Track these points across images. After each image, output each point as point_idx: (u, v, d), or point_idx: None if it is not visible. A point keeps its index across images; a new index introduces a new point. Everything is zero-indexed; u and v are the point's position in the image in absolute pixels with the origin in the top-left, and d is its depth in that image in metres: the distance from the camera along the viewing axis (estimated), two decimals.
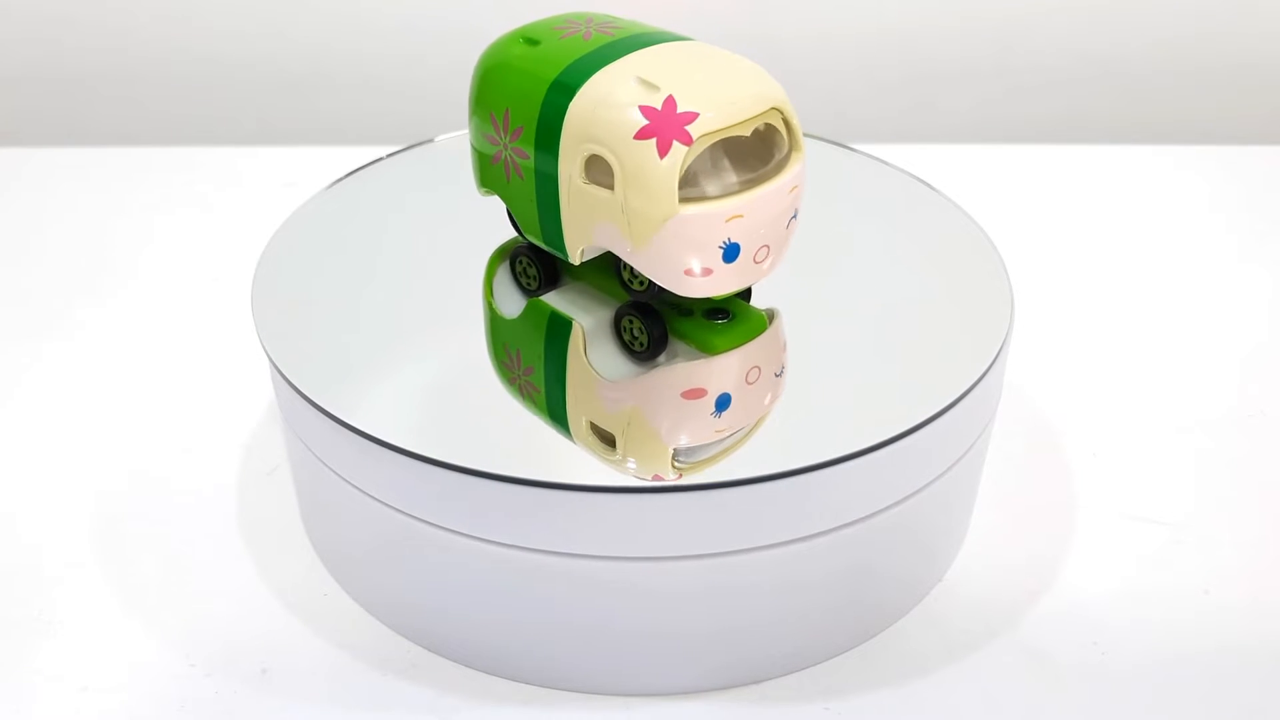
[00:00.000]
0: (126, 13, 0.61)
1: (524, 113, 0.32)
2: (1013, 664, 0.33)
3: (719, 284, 0.31)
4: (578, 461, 0.30)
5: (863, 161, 0.42)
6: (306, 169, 0.54)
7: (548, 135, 0.31)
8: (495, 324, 0.35)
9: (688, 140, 0.29)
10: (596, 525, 0.30)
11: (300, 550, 0.37)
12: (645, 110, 0.30)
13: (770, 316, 0.34)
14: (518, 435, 0.31)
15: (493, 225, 0.37)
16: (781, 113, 0.31)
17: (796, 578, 0.31)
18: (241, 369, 0.43)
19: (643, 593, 0.31)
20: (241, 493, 0.39)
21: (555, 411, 0.32)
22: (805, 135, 0.43)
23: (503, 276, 0.36)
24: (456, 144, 0.43)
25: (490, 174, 0.34)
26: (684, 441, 0.31)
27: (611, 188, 0.30)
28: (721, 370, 0.33)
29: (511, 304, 0.35)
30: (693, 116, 0.29)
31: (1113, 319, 0.48)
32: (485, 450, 0.30)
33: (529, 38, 0.33)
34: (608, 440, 0.31)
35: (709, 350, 0.33)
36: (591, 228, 0.32)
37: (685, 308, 0.34)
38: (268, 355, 0.33)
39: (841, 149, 0.42)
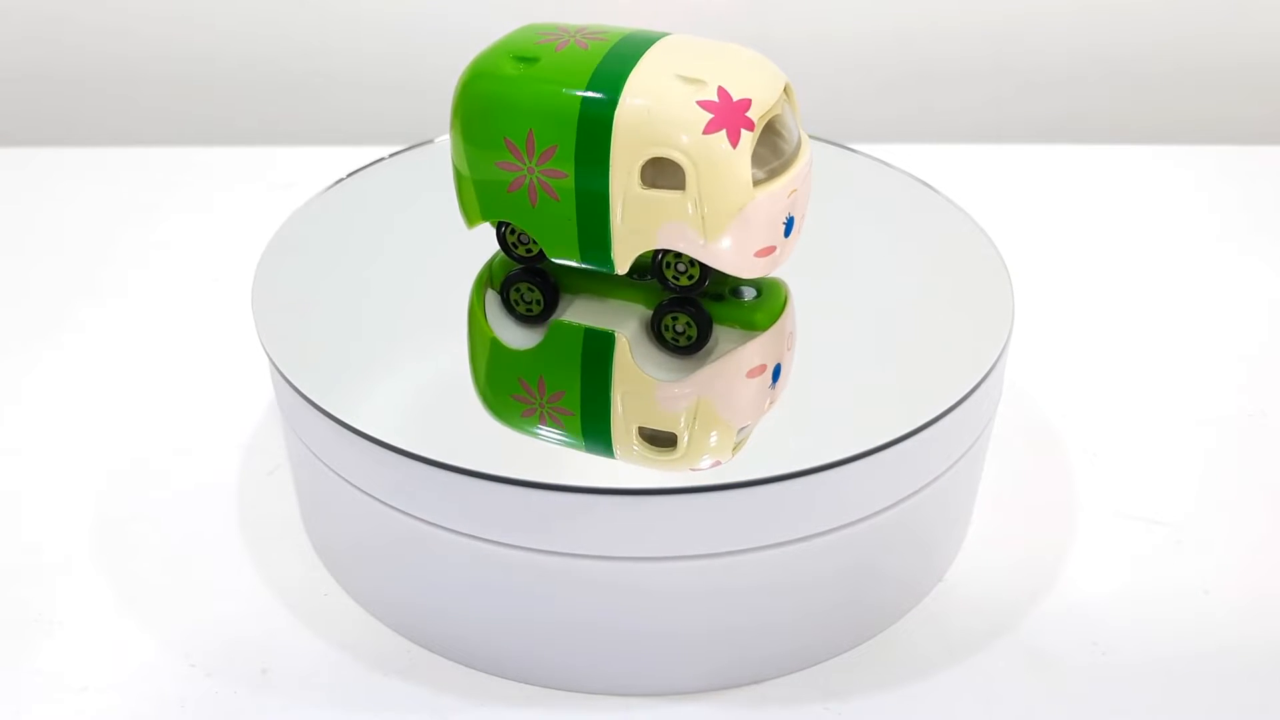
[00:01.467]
0: (126, 13, 0.61)
1: (554, 132, 0.31)
2: (1013, 664, 0.33)
3: (778, 259, 0.33)
4: (578, 461, 0.30)
5: (863, 162, 0.42)
6: (306, 169, 0.54)
7: (593, 149, 0.31)
8: (499, 360, 0.34)
9: (751, 126, 0.30)
10: (596, 525, 0.30)
11: (300, 550, 0.37)
12: (705, 105, 0.30)
13: (783, 283, 0.35)
14: (518, 436, 0.31)
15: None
16: (788, 89, 0.32)
17: (796, 578, 0.31)
18: (241, 369, 0.43)
19: (643, 593, 0.31)
20: (241, 493, 0.39)
21: (596, 430, 0.31)
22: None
23: (493, 310, 0.35)
24: None
25: (500, 202, 0.33)
26: (752, 420, 0.32)
27: (678, 188, 0.31)
28: (772, 343, 0.34)
29: (518, 334, 0.34)
30: (748, 103, 0.30)
31: (1113, 319, 0.48)
32: (485, 450, 0.30)
33: (520, 55, 0.32)
34: (666, 441, 0.31)
35: (758, 327, 0.34)
36: (654, 232, 0.31)
37: (713, 293, 0.34)
38: (268, 355, 0.33)
39: (842, 149, 0.42)
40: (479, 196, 0.33)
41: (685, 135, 0.30)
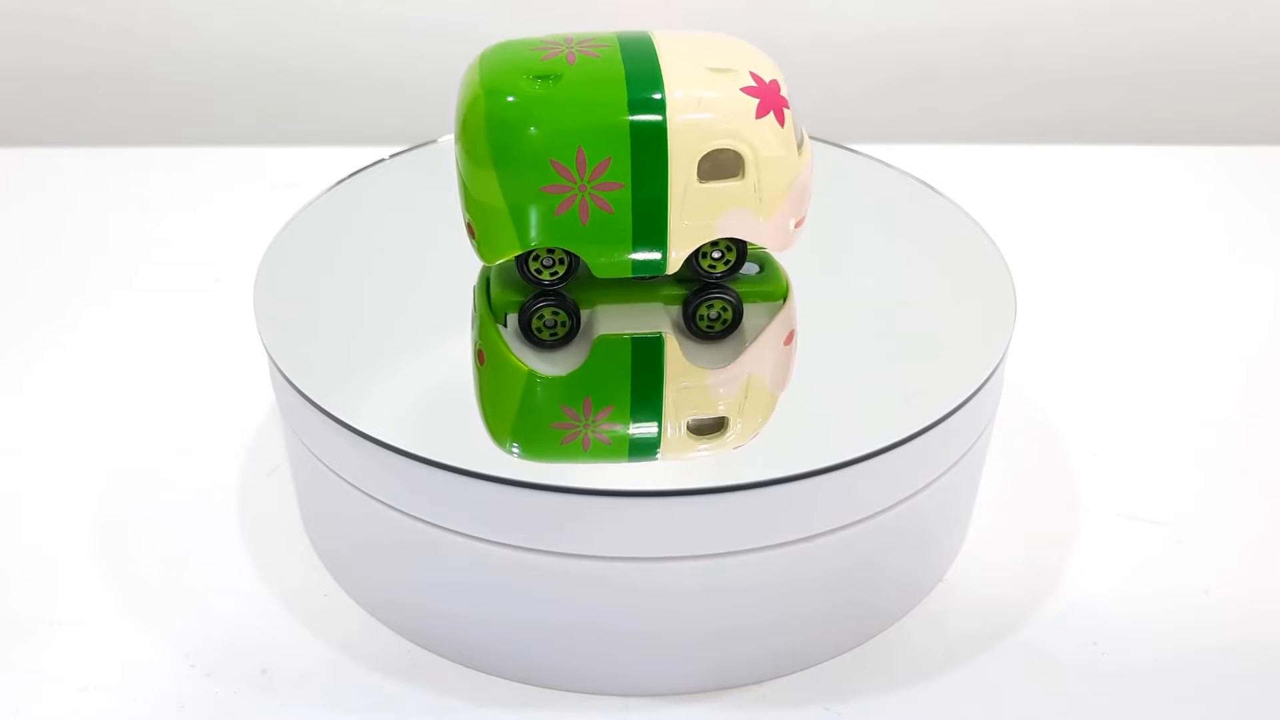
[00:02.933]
0: (126, 13, 0.61)
1: (607, 145, 0.31)
2: (1013, 664, 0.33)
3: (803, 228, 0.34)
4: (578, 461, 0.30)
5: (864, 162, 0.42)
6: (307, 169, 0.54)
7: (650, 155, 0.31)
8: (536, 393, 0.32)
9: (787, 105, 0.32)
10: (597, 526, 0.30)
11: (300, 550, 0.37)
12: (749, 91, 0.31)
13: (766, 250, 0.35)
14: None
15: None
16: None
17: (796, 578, 0.31)
18: (242, 369, 0.43)
19: (643, 593, 0.31)
20: (241, 493, 0.39)
21: (647, 436, 0.31)
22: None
23: (513, 342, 0.34)
24: None
25: (546, 228, 0.32)
26: (794, 382, 0.33)
27: (736, 175, 0.31)
28: (789, 310, 0.35)
29: (549, 361, 0.33)
30: (776, 83, 0.32)
31: (1113, 319, 0.47)
32: (485, 451, 0.30)
33: (537, 74, 0.31)
34: (717, 428, 0.31)
35: (780, 297, 0.35)
36: (714, 223, 0.32)
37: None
38: (269, 355, 0.33)
39: (842, 150, 0.42)
40: (517, 226, 0.32)
41: (742, 124, 0.31)
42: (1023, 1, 0.61)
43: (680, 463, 0.30)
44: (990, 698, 0.32)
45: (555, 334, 0.34)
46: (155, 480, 0.39)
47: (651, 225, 0.32)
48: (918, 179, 0.41)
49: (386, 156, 0.42)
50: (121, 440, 0.41)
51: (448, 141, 0.43)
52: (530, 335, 0.33)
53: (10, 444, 0.41)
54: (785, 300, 0.35)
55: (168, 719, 0.32)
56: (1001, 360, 0.33)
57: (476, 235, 0.32)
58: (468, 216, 0.32)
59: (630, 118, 0.31)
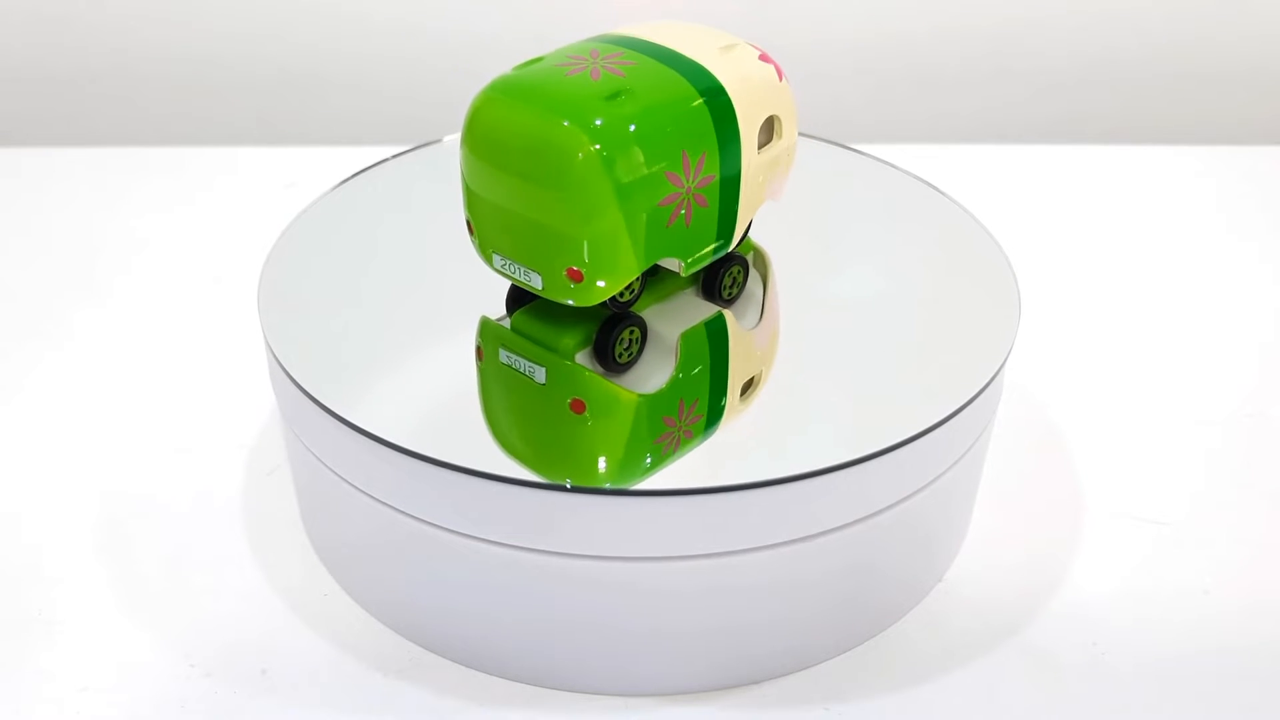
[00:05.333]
0: (126, 13, 0.61)
1: (700, 140, 0.31)
2: (1013, 664, 0.33)
3: None
4: (578, 461, 0.30)
5: (867, 163, 0.42)
6: (308, 169, 0.54)
7: (729, 137, 0.31)
8: (642, 416, 0.31)
9: (780, 68, 0.33)
10: (597, 525, 0.30)
11: (300, 550, 0.37)
12: (763, 58, 0.32)
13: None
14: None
15: None
16: None
17: (796, 578, 0.31)
18: (242, 369, 0.43)
19: (643, 593, 0.31)
20: (242, 493, 0.39)
21: (718, 414, 0.32)
22: (807, 136, 0.43)
23: (599, 372, 0.32)
24: None
25: (659, 242, 0.31)
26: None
27: (774, 139, 0.33)
28: (761, 267, 0.37)
29: (637, 379, 0.32)
30: (761, 50, 0.33)
31: (1114, 319, 0.48)
32: (485, 450, 0.30)
33: (608, 95, 0.30)
34: (751, 385, 0.32)
35: (750, 250, 0.37)
36: (763, 192, 0.33)
37: None
38: (272, 353, 0.33)
39: (844, 150, 0.42)
40: (636, 252, 0.30)
41: (773, 90, 0.32)
42: (1026, 3, 0.61)
43: (680, 463, 0.30)
44: (990, 698, 0.32)
45: (631, 352, 0.33)
46: (155, 480, 0.39)
47: (729, 208, 0.32)
48: (921, 179, 0.41)
49: (391, 156, 0.42)
50: (122, 440, 0.41)
51: (451, 141, 0.43)
52: (613, 363, 0.32)
53: (11, 443, 0.41)
54: (753, 251, 0.37)
55: (168, 719, 0.32)
56: (1004, 362, 0.33)
57: (585, 278, 0.30)
58: (572, 264, 0.30)
59: (708, 107, 0.31)
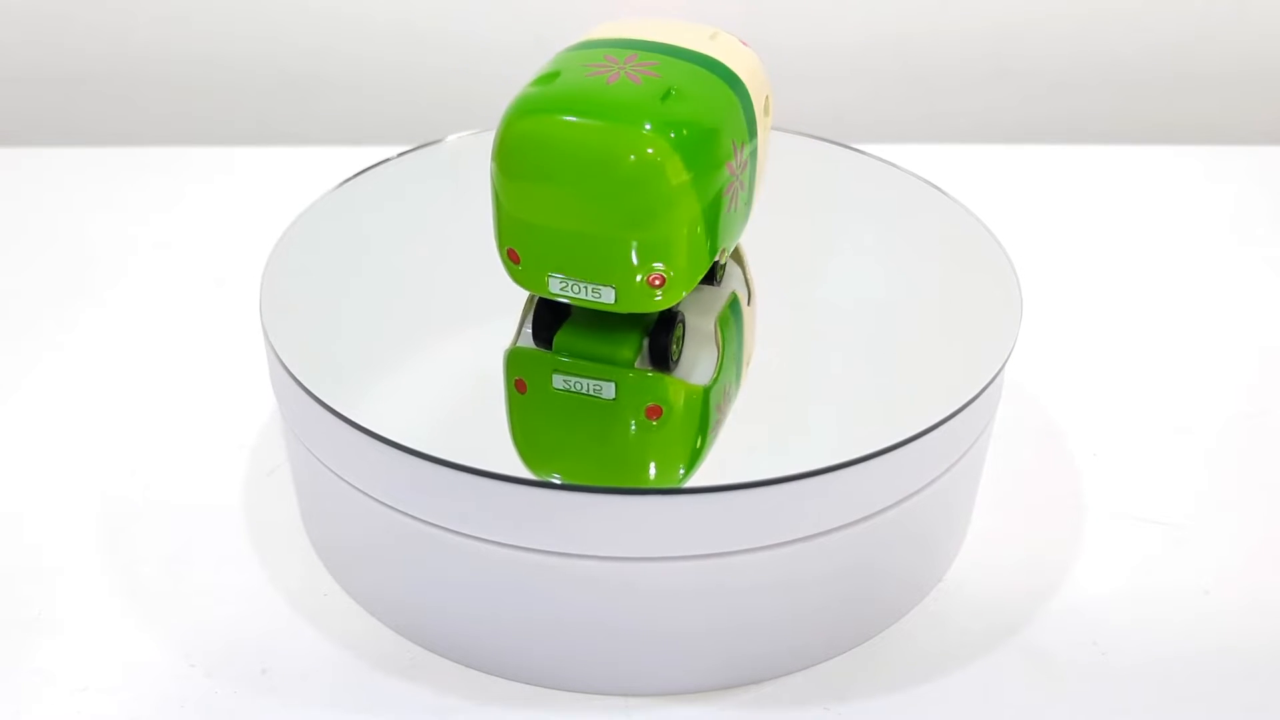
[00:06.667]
0: (126, 13, 0.61)
1: (739, 128, 0.31)
2: (1013, 664, 0.33)
3: None
4: (577, 461, 0.30)
5: (869, 162, 0.42)
6: (309, 169, 0.54)
7: (751, 120, 0.32)
8: (711, 408, 0.32)
9: None
10: (597, 525, 0.30)
11: (300, 550, 0.37)
12: (742, 43, 0.33)
13: None
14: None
15: None
16: None
17: (796, 578, 0.31)
18: (242, 369, 0.43)
19: (643, 593, 0.31)
20: (242, 493, 0.39)
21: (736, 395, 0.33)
22: (808, 136, 0.43)
23: (671, 378, 0.32)
24: (466, 144, 0.43)
25: (718, 231, 0.31)
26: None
27: (768, 114, 0.34)
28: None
29: (686, 368, 0.33)
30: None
31: (1114, 319, 0.48)
32: (485, 450, 0.30)
33: (660, 96, 0.30)
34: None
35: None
36: (765, 167, 0.34)
37: None
38: (274, 352, 0.33)
39: (845, 149, 0.42)
40: (709, 243, 0.31)
41: (761, 71, 0.33)
42: (1026, 3, 0.61)
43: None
44: (990, 698, 0.32)
45: (679, 348, 0.33)
46: (155, 480, 0.39)
47: (752, 189, 0.33)
48: (922, 179, 0.41)
49: (394, 156, 0.42)
50: (122, 440, 0.41)
51: (455, 141, 0.43)
52: (670, 362, 0.32)
53: (11, 443, 0.41)
54: None
55: (168, 719, 0.32)
56: (1005, 362, 0.33)
57: (669, 282, 0.30)
58: (656, 270, 0.30)
59: (736, 97, 0.31)
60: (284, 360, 0.33)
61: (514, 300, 0.35)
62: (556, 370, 0.32)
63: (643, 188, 0.29)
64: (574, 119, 0.29)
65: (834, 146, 0.43)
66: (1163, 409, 0.43)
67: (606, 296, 0.31)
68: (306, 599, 0.35)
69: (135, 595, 0.35)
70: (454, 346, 0.34)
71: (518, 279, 0.31)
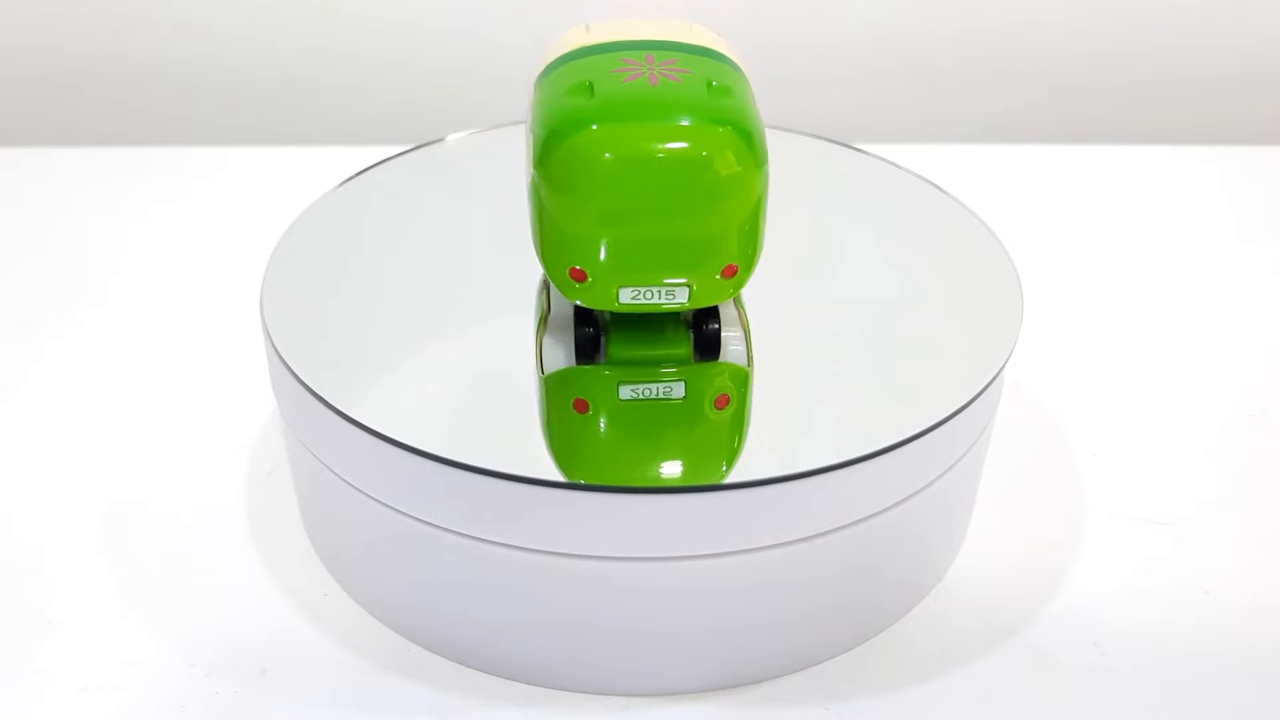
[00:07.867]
0: (126, 13, 0.61)
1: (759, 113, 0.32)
2: (1013, 664, 0.33)
3: None
4: (578, 460, 0.30)
5: (870, 162, 0.42)
6: (309, 169, 0.54)
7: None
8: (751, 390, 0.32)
9: None
10: (596, 525, 0.30)
11: (300, 550, 0.37)
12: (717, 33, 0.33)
13: None
14: (519, 434, 0.31)
15: (505, 224, 0.37)
16: None
17: (796, 578, 0.31)
18: (242, 369, 0.43)
19: (643, 593, 0.31)
20: (241, 493, 0.39)
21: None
22: (808, 135, 0.43)
23: (732, 365, 0.33)
24: (468, 143, 0.43)
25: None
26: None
27: None
28: None
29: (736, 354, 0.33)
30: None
31: (1115, 319, 0.48)
32: (485, 450, 0.30)
33: (707, 92, 0.30)
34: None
35: None
36: None
37: None
38: (276, 351, 0.33)
39: (846, 149, 0.42)
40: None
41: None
42: (1027, 3, 0.61)
43: (681, 460, 0.31)
44: (990, 698, 0.32)
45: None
46: (155, 480, 0.39)
47: None
48: (924, 178, 0.41)
49: (394, 155, 0.42)
50: (122, 440, 0.41)
51: (456, 140, 0.43)
52: (718, 351, 0.32)
53: (10, 442, 0.41)
54: None
55: (168, 719, 0.32)
56: (1005, 362, 0.33)
57: (740, 270, 0.30)
58: (730, 260, 0.30)
59: (746, 83, 0.31)
60: (285, 359, 0.33)
61: (514, 299, 0.35)
62: (621, 382, 0.32)
63: (732, 182, 0.29)
64: (648, 124, 0.29)
65: (835, 146, 0.42)
66: (1163, 409, 0.43)
67: (680, 297, 0.30)
68: (307, 599, 0.35)
69: (135, 595, 0.35)
70: (455, 346, 0.34)
71: (582, 298, 0.31)
